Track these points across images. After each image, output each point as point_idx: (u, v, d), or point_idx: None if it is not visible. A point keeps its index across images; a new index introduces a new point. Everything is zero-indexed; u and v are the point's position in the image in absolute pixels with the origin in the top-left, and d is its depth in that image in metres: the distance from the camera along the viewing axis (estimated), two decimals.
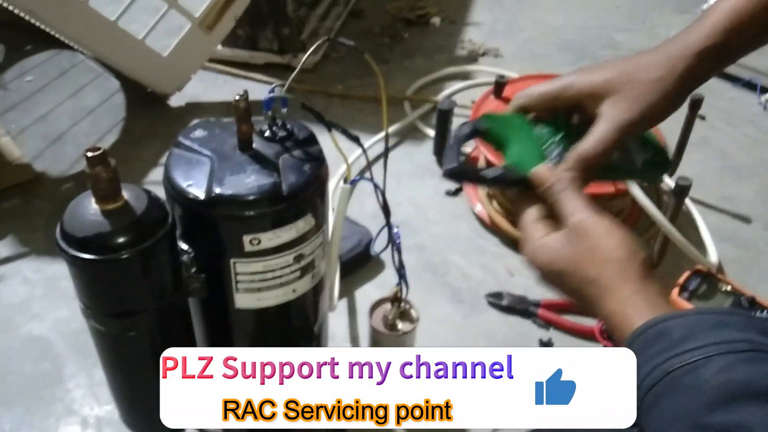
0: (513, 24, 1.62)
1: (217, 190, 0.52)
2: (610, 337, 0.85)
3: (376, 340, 0.72)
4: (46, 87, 1.31)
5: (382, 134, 1.19)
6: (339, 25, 1.52)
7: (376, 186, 0.63)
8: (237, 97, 0.55)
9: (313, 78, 1.36)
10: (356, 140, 0.61)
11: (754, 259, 1.01)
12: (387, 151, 0.67)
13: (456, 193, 1.12)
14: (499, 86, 1.08)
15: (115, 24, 1.11)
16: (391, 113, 1.27)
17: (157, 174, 1.11)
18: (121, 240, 0.47)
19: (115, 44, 1.14)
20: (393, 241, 0.67)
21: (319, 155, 0.58)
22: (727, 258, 1.00)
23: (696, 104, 0.97)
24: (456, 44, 1.52)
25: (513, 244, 1.01)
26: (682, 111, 0.99)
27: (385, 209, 0.65)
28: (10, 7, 1.07)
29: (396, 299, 0.71)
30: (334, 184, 1.02)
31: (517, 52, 1.51)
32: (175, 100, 1.27)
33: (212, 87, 1.33)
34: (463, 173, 0.53)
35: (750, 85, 1.37)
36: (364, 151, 0.62)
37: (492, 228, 1.04)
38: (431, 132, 1.22)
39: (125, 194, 0.49)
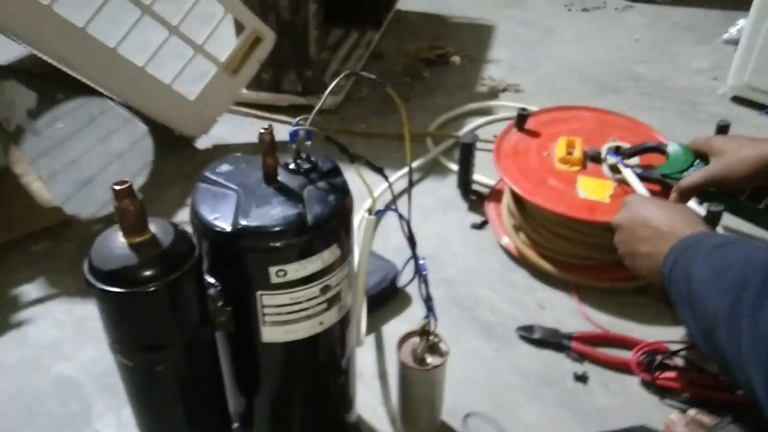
0: (533, 60, 1.63)
1: (243, 222, 0.52)
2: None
3: (405, 375, 0.71)
4: (76, 133, 1.35)
5: (406, 169, 1.19)
6: (360, 67, 1.54)
7: (401, 216, 0.62)
8: (262, 130, 0.55)
9: (336, 118, 1.38)
10: (380, 171, 0.62)
11: None
12: (411, 181, 0.67)
13: (481, 226, 1.11)
14: (522, 118, 1.08)
15: (143, 70, 1.14)
16: (413, 150, 1.28)
17: (183, 214, 1.12)
18: (148, 273, 0.47)
19: (143, 90, 1.17)
20: (420, 273, 0.66)
21: (344, 186, 0.58)
22: None
23: (723, 129, 0.95)
24: (476, 81, 1.54)
25: (542, 276, 1.00)
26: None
27: (411, 240, 0.64)
28: (44, 57, 1.12)
29: (424, 332, 0.70)
30: (359, 218, 1.02)
31: (538, 86, 1.52)
32: (202, 143, 1.30)
33: (238, 129, 1.36)
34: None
35: None
36: (388, 181, 0.62)
37: (520, 260, 1.02)
38: (454, 166, 1.22)
39: (152, 227, 0.50)
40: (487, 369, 0.86)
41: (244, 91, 1.36)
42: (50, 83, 1.40)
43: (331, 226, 0.55)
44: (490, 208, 1.12)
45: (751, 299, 0.49)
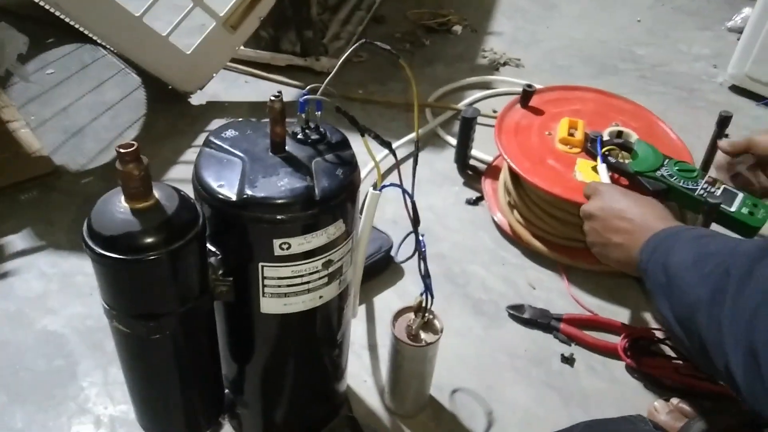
0: (535, 35, 1.61)
1: (249, 192, 0.51)
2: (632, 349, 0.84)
3: (398, 350, 0.71)
4: (67, 80, 1.31)
5: (404, 139, 1.18)
6: (361, 30, 1.51)
7: (407, 194, 0.61)
8: (272, 98, 0.53)
9: (333, 82, 1.34)
10: (388, 146, 0.60)
11: None
12: (416, 160, 0.65)
13: (476, 202, 1.10)
14: (527, 95, 1.06)
15: (139, 20, 1.10)
16: (412, 120, 1.26)
17: (176, 172, 1.10)
18: (150, 240, 0.46)
19: (138, 40, 1.13)
20: (419, 250, 0.66)
21: (352, 160, 0.57)
22: None
23: (724, 121, 0.95)
24: (477, 53, 1.51)
25: (534, 256, 1.00)
26: (710, 128, 0.98)
27: (415, 218, 0.63)
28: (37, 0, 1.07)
29: (420, 309, 0.70)
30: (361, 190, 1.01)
31: (539, 62, 1.50)
32: (196, 99, 1.26)
33: (233, 87, 1.33)
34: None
35: None
36: (396, 158, 0.61)
37: (513, 239, 1.02)
38: (452, 140, 1.20)
39: (156, 193, 0.48)
40: (476, 346, 0.87)
41: (242, 48, 1.33)
42: (39, 26, 1.35)
43: (338, 201, 0.54)
44: (486, 184, 1.11)
45: (735, 285, 0.50)
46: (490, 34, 1.59)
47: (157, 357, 0.53)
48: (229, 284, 0.54)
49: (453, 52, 1.51)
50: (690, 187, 0.86)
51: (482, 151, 1.16)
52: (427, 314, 0.70)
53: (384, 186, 0.62)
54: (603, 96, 1.11)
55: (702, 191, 0.85)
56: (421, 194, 1.10)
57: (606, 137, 0.96)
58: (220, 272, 0.54)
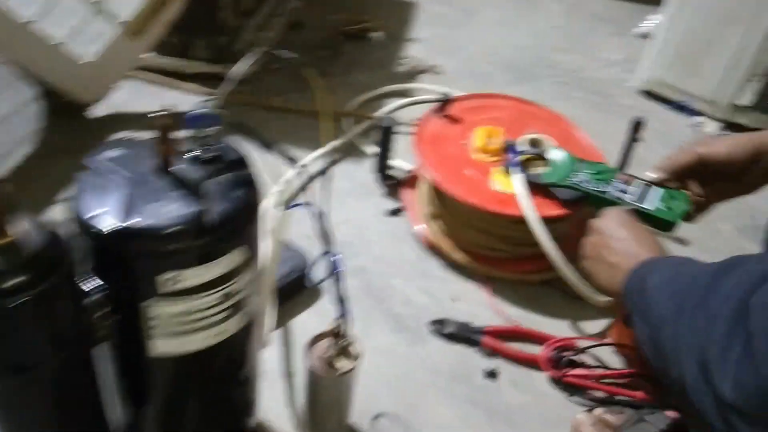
0: (454, 41, 1.60)
1: (132, 221, 0.46)
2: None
3: (314, 380, 0.67)
4: None
5: (319, 152, 1.14)
6: (278, 36, 1.46)
7: (317, 213, 0.57)
8: (157, 113, 0.48)
9: (250, 89, 1.29)
10: (293, 162, 0.56)
11: None
12: (324, 172, 0.61)
13: (397, 212, 1.07)
14: (445, 103, 1.04)
15: (26, 25, 1.01)
16: (333, 130, 1.22)
17: (68, 193, 1.02)
18: (7, 285, 0.40)
19: (28, 47, 1.04)
20: (334, 271, 0.62)
21: (251, 179, 0.52)
22: None
23: (637, 126, 0.96)
24: (397, 60, 1.49)
25: (455, 267, 0.98)
26: (624, 132, 0.99)
27: (326, 238, 0.59)
28: None
29: (336, 334, 0.66)
30: (268, 208, 0.96)
31: (459, 69, 1.49)
32: (98, 111, 1.18)
33: (139, 97, 1.25)
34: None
35: (681, 108, 1.40)
36: (309, 172, 0.57)
37: (434, 250, 1.00)
38: (372, 149, 1.17)
39: (14, 229, 0.42)
40: (398, 365, 0.84)
41: (149, 54, 1.25)
42: None
43: (235, 226, 0.49)
44: (406, 194, 1.09)
45: (696, 298, 0.51)
46: (409, 40, 1.58)
47: (31, 412, 0.47)
48: (112, 325, 0.48)
49: (373, 59, 1.48)
50: (604, 189, 0.84)
51: (403, 160, 1.13)
52: (343, 340, 0.66)
53: (293, 206, 0.58)
54: (521, 104, 1.11)
55: (616, 192, 0.82)
56: (342, 206, 1.06)
57: (521, 146, 0.95)
58: (103, 311, 0.48)
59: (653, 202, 0.80)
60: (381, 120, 1.06)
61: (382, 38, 1.56)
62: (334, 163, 1.16)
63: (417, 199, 1.07)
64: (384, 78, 1.40)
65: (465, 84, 1.39)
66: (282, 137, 1.15)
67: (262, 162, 0.54)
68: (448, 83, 1.39)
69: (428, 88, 1.37)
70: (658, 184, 0.81)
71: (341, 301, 0.63)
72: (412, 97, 1.35)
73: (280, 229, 0.56)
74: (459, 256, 0.97)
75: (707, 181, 0.80)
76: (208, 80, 1.28)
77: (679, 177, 0.80)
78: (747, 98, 1.30)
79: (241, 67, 0.55)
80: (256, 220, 0.53)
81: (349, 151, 1.19)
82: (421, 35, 1.60)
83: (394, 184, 1.12)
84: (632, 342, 0.84)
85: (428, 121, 1.05)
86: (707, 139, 0.81)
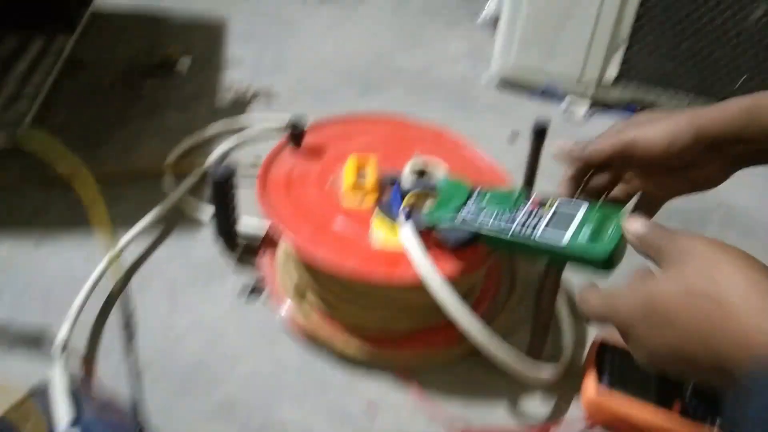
0: (279, 57, 1.35)
1: None
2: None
3: None
4: None
5: (134, 232, 0.82)
6: (52, 81, 1.11)
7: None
8: None
9: (18, 162, 0.94)
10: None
11: None
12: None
13: (257, 291, 0.80)
14: (296, 135, 0.79)
15: None
16: (146, 194, 0.91)
17: None
18: None
19: None
20: None
21: None
22: None
23: (542, 132, 0.77)
24: (215, 91, 1.20)
25: (353, 363, 0.72)
26: (499, 132, 0.79)
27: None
28: None
29: None
30: None
31: (293, 89, 1.24)
32: None
33: None
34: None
35: (547, 93, 1.26)
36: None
37: (314, 342, 0.73)
38: (208, 212, 0.88)
39: None
40: None
41: None
42: None
43: None
44: (264, 261, 0.82)
45: None
46: (227, 65, 1.30)
47: None
48: None
49: (184, 95, 1.18)
50: (503, 227, 0.59)
51: (255, 215, 0.85)
52: None
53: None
54: (392, 122, 0.88)
55: (521, 228, 0.58)
56: (179, 306, 0.76)
57: (405, 180, 0.72)
58: None
59: (574, 230, 0.55)
60: (211, 172, 0.77)
61: (189, 66, 1.26)
62: (158, 240, 0.85)
63: (277, 269, 0.80)
64: (204, 115, 1.11)
65: (305, 105, 1.14)
66: (70, 218, 0.83)
67: None
68: (286, 107, 1.14)
69: (265, 116, 1.11)
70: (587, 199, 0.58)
71: None
72: (246, 131, 1.08)
73: None
74: (351, 344, 0.71)
75: (647, 173, 0.58)
76: None
77: (605, 168, 0.58)
78: (614, 69, 1.19)
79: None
80: None
81: (178, 220, 0.89)
82: (239, 55, 1.32)
83: (246, 253, 0.84)
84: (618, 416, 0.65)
85: (276, 160, 0.79)
86: (638, 118, 0.56)
